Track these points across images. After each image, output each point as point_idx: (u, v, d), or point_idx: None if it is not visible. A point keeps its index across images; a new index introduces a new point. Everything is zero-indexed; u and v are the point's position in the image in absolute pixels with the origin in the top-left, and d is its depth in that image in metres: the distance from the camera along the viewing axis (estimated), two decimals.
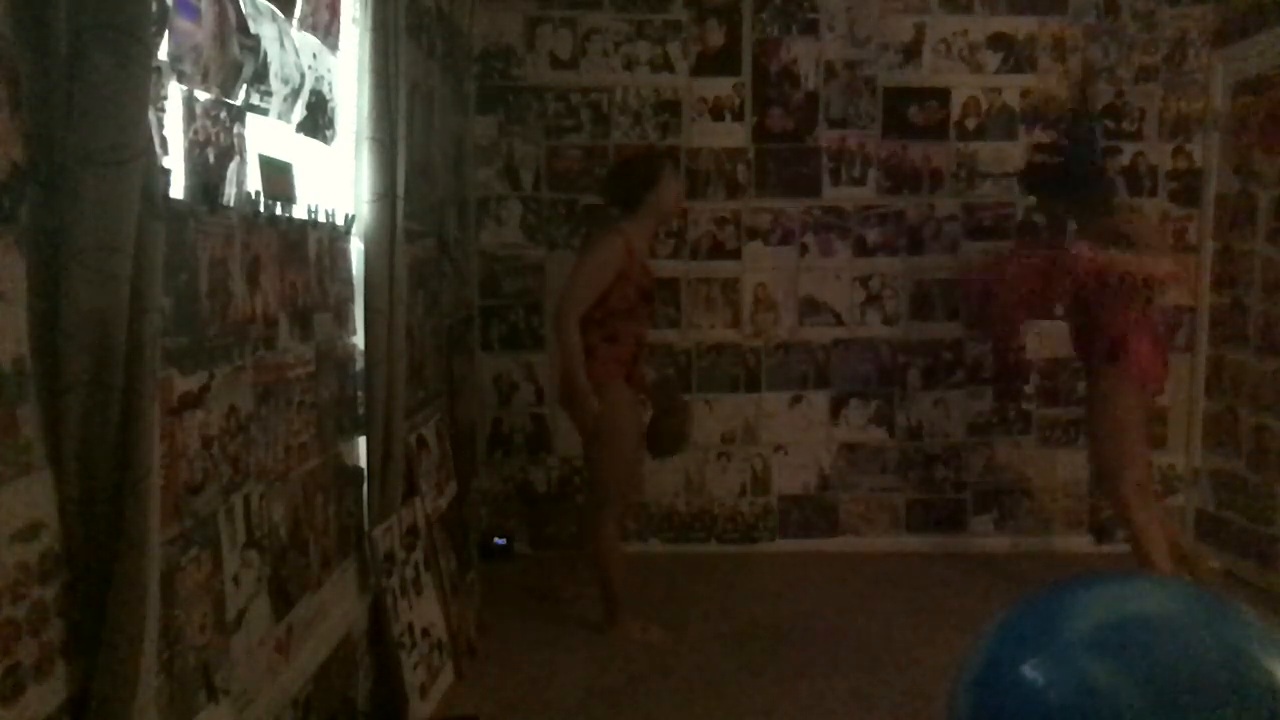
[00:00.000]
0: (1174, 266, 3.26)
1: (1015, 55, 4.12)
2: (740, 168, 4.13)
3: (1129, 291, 3.18)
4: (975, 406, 4.25)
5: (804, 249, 4.17)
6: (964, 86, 4.12)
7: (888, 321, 4.21)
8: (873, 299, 4.20)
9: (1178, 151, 4.15)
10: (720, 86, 4.10)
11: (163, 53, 1.40)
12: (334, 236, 2.29)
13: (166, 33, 1.41)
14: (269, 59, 1.83)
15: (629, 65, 4.07)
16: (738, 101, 4.11)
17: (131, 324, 1.18)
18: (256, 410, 1.81)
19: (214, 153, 1.63)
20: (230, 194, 1.69)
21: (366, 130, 2.32)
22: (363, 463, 2.48)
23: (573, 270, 3.18)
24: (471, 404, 4.02)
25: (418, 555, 2.77)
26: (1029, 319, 3.79)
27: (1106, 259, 3.06)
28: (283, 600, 1.93)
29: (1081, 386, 3.83)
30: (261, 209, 1.83)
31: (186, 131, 1.53)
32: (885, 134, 4.13)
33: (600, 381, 3.08)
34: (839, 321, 4.20)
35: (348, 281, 2.40)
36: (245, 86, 1.74)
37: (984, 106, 4.13)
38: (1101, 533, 4.26)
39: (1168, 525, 3.52)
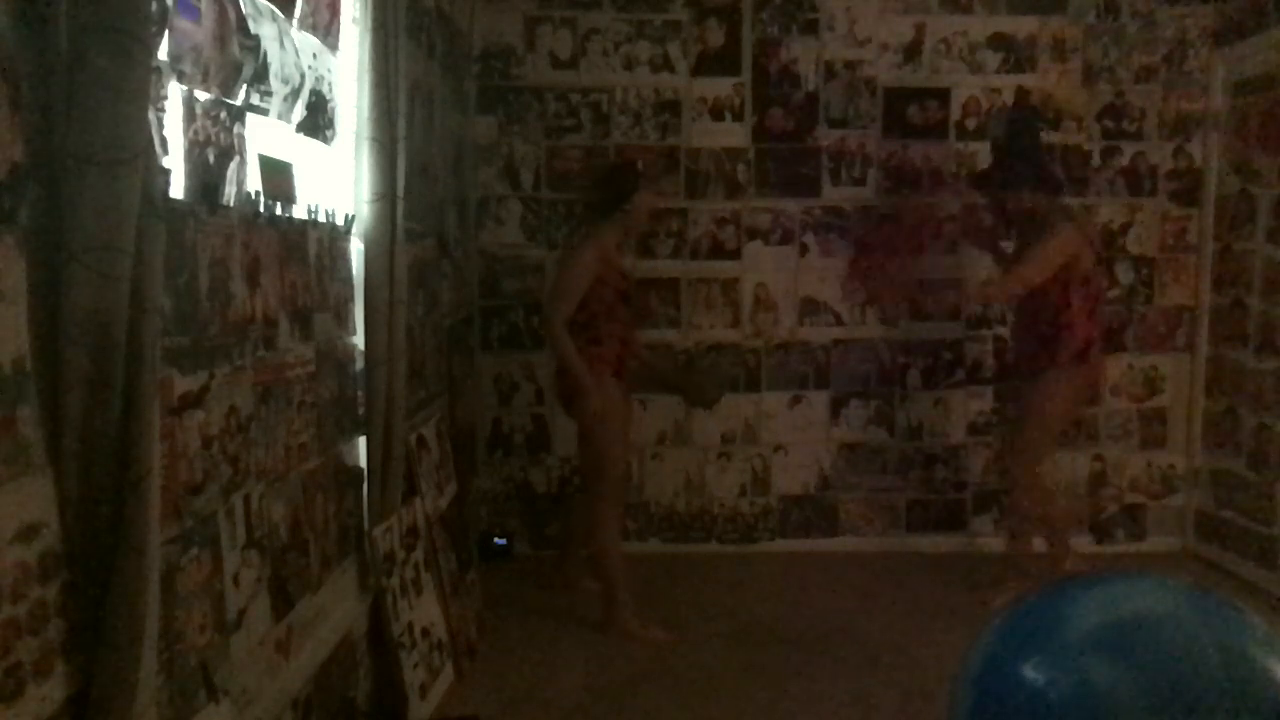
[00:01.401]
0: (1005, 286, 3.51)
1: (1015, 55, 4.12)
2: (740, 168, 4.13)
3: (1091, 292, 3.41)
4: (975, 406, 4.25)
5: (804, 249, 4.17)
6: (964, 86, 4.12)
7: (888, 321, 4.21)
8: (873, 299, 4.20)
9: (1178, 151, 4.15)
10: (720, 86, 4.10)
11: (163, 53, 1.40)
12: (334, 236, 2.29)
13: (166, 33, 1.41)
14: (269, 59, 1.83)
15: (629, 65, 4.07)
16: (738, 101, 4.11)
17: (131, 324, 1.18)
18: (256, 410, 1.81)
19: (214, 153, 1.63)
20: (230, 194, 1.69)
21: (366, 130, 2.32)
22: (363, 463, 2.48)
23: (554, 279, 3.39)
24: (471, 404, 4.02)
25: (418, 555, 2.77)
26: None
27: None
28: (283, 600, 1.93)
29: None
30: (261, 209, 1.83)
31: (186, 131, 1.53)
32: (885, 134, 4.13)
33: (598, 377, 3.21)
34: (839, 321, 4.20)
35: (348, 281, 2.40)
36: (245, 86, 1.74)
37: (984, 106, 4.13)
38: (1102, 533, 4.27)
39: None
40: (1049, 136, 4.01)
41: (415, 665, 2.58)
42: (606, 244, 3.24)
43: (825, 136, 4.13)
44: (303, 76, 2.03)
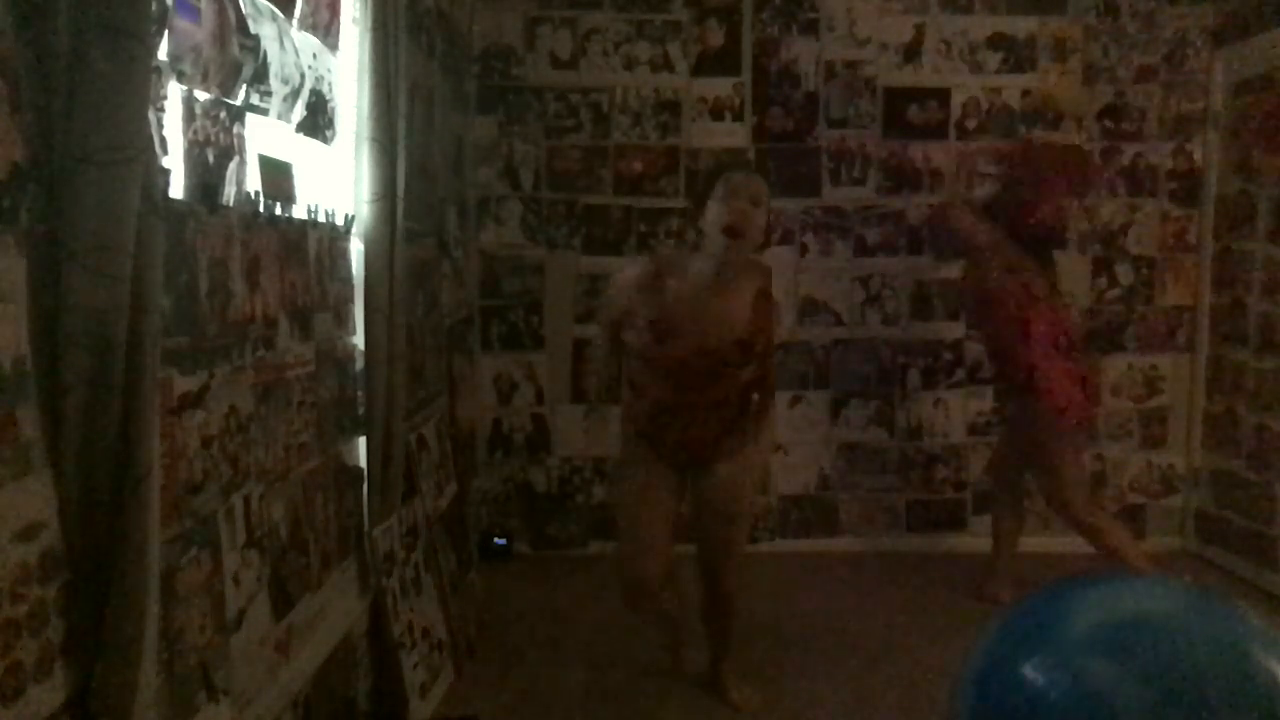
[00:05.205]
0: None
1: (1015, 55, 4.12)
2: None
3: (1020, 307, 3.26)
4: (975, 406, 4.25)
5: (804, 249, 4.17)
6: (964, 86, 4.12)
7: (888, 321, 4.21)
8: (873, 299, 4.20)
9: (1178, 151, 4.15)
10: (720, 86, 4.10)
11: (163, 53, 1.40)
12: (334, 236, 2.29)
13: (166, 33, 1.41)
14: (269, 59, 1.83)
15: (629, 65, 4.07)
16: (738, 101, 4.11)
17: (131, 324, 1.18)
18: (256, 410, 1.81)
19: (214, 153, 1.63)
20: (230, 194, 1.69)
21: (366, 130, 2.32)
22: (363, 463, 2.48)
23: None
24: (471, 404, 4.02)
25: (418, 555, 2.77)
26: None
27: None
28: (283, 600, 1.93)
29: None
30: (261, 209, 1.83)
31: (186, 131, 1.53)
32: (885, 134, 4.13)
33: (624, 428, 2.70)
34: (839, 321, 4.21)
35: (348, 281, 2.40)
36: (245, 86, 1.74)
37: (984, 106, 4.13)
38: None
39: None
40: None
41: (415, 665, 2.58)
42: (672, 266, 2.50)
43: (825, 136, 4.13)
44: (303, 76, 2.03)
